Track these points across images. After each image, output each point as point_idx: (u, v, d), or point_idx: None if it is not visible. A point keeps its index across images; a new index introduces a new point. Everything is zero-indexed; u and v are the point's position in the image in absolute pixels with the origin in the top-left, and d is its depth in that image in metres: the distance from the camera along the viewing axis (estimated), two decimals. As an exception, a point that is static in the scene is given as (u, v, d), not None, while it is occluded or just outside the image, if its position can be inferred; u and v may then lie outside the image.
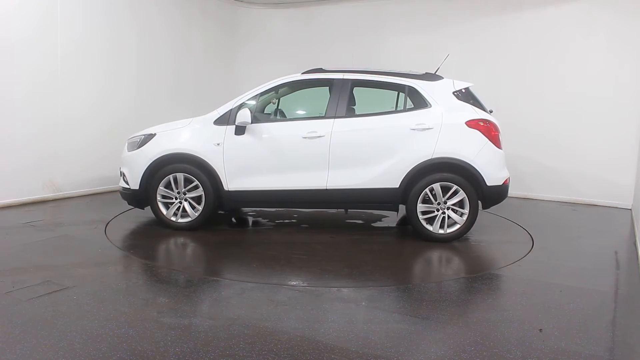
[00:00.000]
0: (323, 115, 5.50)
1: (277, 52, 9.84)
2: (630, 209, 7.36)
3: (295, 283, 4.11)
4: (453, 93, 5.44)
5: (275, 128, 5.55)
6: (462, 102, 5.42)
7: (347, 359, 2.83)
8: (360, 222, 6.31)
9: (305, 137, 5.40)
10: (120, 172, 5.87)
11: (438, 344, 3.11)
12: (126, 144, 5.89)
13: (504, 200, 5.60)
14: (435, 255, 5.06)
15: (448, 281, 4.28)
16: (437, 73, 5.70)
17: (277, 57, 9.76)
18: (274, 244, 5.30)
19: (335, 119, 5.42)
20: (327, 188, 5.40)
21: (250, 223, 6.35)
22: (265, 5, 9.94)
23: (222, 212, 6.43)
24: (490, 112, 5.61)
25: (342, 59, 9.07)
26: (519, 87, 8.15)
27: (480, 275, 4.41)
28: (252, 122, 5.41)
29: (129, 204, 5.93)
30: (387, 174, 5.31)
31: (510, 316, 3.55)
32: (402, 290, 4.06)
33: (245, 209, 6.84)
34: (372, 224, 6.20)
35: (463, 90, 5.51)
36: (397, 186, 5.30)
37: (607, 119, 7.62)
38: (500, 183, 5.36)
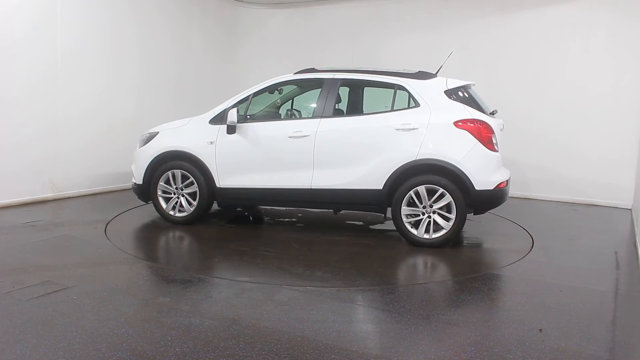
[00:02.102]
0: (311, 114, 5.53)
1: (277, 52, 9.83)
2: (630, 209, 7.36)
3: (240, 279, 4.14)
4: (445, 92, 5.23)
5: (263, 127, 5.62)
6: (453, 101, 5.19)
7: (347, 359, 2.83)
8: (359, 223, 6.30)
9: (291, 137, 5.42)
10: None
11: (438, 344, 3.11)
12: (139, 141, 6.16)
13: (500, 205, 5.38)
14: (428, 256, 4.96)
15: (448, 281, 4.28)
16: (439, 72, 5.60)
17: (277, 56, 9.76)
18: (254, 240, 5.40)
19: (322, 119, 5.40)
20: (312, 188, 5.39)
21: (249, 220, 6.36)
22: (265, 5, 9.94)
23: (239, 209, 6.74)
24: (493, 113, 5.49)
25: (342, 59, 9.08)
26: (519, 87, 8.14)
27: (480, 275, 4.41)
28: (241, 122, 5.54)
29: (138, 198, 6.12)
30: (371, 175, 5.19)
31: (510, 316, 3.55)
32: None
33: (263, 207, 6.90)
34: (370, 226, 6.16)
35: (457, 89, 5.31)
36: (381, 188, 5.17)
37: (607, 119, 7.61)
38: (492, 187, 5.05)
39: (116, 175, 7.80)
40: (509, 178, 5.41)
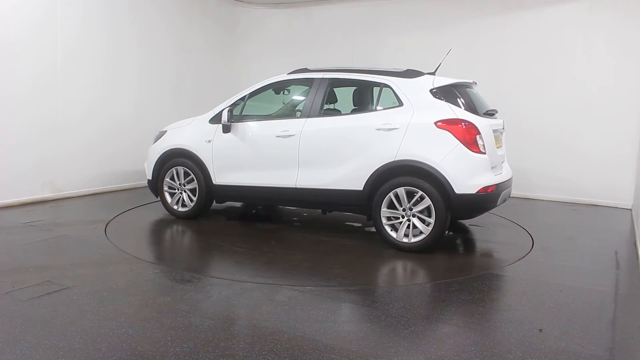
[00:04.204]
0: (300, 114, 5.55)
1: (277, 52, 9.83)
2: (630, 209, 7.36)
3: (191, 271, 4.29)
4: (430, 91, 5.02)
5: (254, 127, 5.72)
6: (439, 100, 4.96)
7: (347, 359, 2.83)
8: (357, 224, 6.24)
9: (278, 136, 5.48)
10: None
11: (438, 344, 3.11)
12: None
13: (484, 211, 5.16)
14: (421, 257, 4.88)
15: (448, 281, 4.27)
16: (437, 70, 5.48)
17: (277, 56, 9.76)
18: (238, 236, 5.56)
19: (308, 118, 5.41)
20: (297, 187, 5.42)
21: (253, 217, 6.37)
22: (265, 4, 9.93)
23: (259, 207, 6.92)
24: (491, 113, 5.35)
25: (342, 59, 9.08)
26: (518, 87, 8.13)
27: (480, 275, 4.41)
28: (236, 121, 5.68)
29: (152, 193, 6.39)
30: (351, 176, 5.12)
31: (510, 316, 3.55)
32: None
33: (282, 207, 6.97)
34: (366, 228, 6.03)
35: (445, 88, 5.08)
36: (361, 188, 5.07)
37: (607, 119, 7.61)
38: (474, 191, 4.75)
39: (116, 175, 7.81)
40: (503, 182, 5.12)
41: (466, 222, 6.25)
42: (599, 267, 4.76)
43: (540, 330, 3.27)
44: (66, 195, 7.08)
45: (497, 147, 5.24)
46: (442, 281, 4.28)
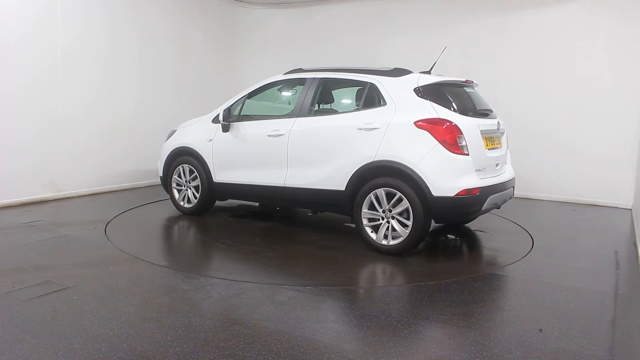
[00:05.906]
0: (291, 114, 5.56)
1: (278, 52, 9.83)
2: (630, 209, 7.35)
3: (156, 262, 4.47)
4: (414, 89, 4.88)
5: (250, 126, 5.83)
6: (422, 99, 4.81)
7: (347, 359, 2.83)
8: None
9: (269, 135, 5.56)
10: None
11: (438, 344, 3.11)
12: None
13: (467, 216, 5.02)
14: (416, 257, 4.88)
15: (448, 281, 4.27)
16: (432, 68, 5.45)
17: (278, 56, 9.75)
18: (227, 232, 5.66)
19: (297, 118, 5.45)
20: (285, 186, 5.47)
21: (256, 215, 6.38)
22: (265, 5, 9.93)
23: (277, 208, 6.98)
24: (484, 113, 5.18)
25: (342, 59, 9.07)
26: (518, 87, 8.13)
27: (480, 275, 4.41)
28: (227, 121, 5.82)
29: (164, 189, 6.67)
30: (334, 175, 5.10)
31: (510, 316, 3.56)
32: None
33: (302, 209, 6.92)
34: None
35: (430, 87, 4.91)
36: (344, 189, 5.03)
37: (607, 119, 7.61)
38: (452, 194, 4.56)
39: (116, 175, 7.80)
40: (492, 185, 4.91)
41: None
42: (599, 267, 4.76)
43: (540, 330, 3.27)
44: (66, 195, 7.08)
45: (491, 148, 5.03)
46: (442, 281, 4.28)
